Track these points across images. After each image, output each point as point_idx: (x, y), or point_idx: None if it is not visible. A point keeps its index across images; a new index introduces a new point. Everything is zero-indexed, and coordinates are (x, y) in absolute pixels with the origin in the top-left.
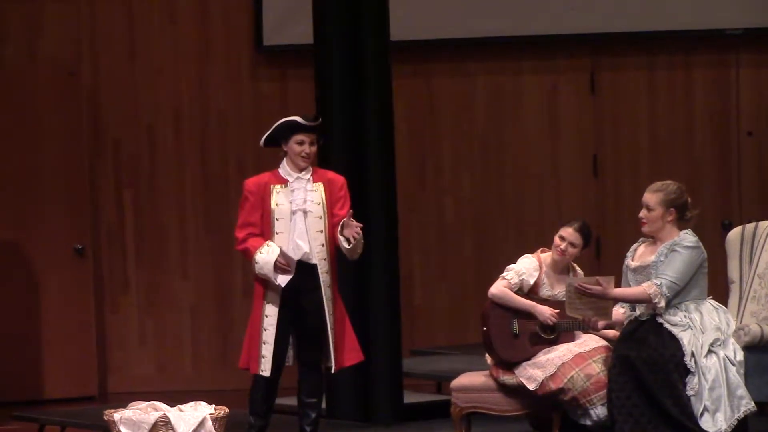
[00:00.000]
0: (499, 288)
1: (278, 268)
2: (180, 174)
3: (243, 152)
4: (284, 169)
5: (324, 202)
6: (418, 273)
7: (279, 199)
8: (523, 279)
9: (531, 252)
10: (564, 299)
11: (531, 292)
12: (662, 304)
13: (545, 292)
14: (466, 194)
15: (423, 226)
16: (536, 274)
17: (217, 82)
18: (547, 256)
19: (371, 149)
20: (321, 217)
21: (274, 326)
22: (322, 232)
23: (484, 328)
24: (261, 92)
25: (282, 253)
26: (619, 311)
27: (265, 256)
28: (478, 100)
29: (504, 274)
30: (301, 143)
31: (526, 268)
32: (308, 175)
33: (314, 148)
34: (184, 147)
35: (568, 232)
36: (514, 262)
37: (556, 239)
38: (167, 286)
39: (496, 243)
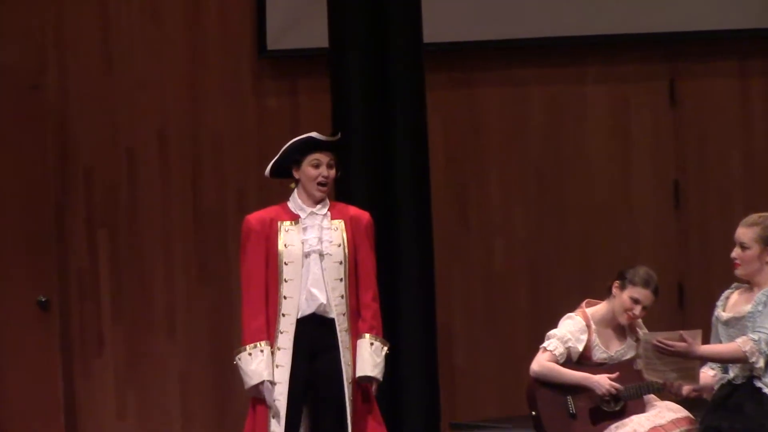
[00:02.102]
0: (542, 364)
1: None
2: (167, 210)
3: (244, 183)
4: (295, 202)
5: (346, 244)
6: (461, 330)
7: (289, 238)
8: (569, 346)
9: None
10: (627, 358)
11: (582, 358)
12: (761, 363)
13: (599, 355)
14: (519, 234)
15: (466, 274)
16: (584, 337)
17: (211, 97)
18: (595, 310)
19: (401, 178)
20: (341, 263)
21: (285, 396)
22: (342, 280)
23: (533, 413)
24: (266, 108)
25: (265, 388)
26: (708, 373)
27: (252, 365)
28: (533, 116)
29: (545, 344)
30: (316, 165)
31: (572, 332)
32: (325, 210)
33: (333, 172)
34: (171, 177)
35: (644, 294)
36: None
37: (626, 300)
38: (151, 347)
39: (556, 293)
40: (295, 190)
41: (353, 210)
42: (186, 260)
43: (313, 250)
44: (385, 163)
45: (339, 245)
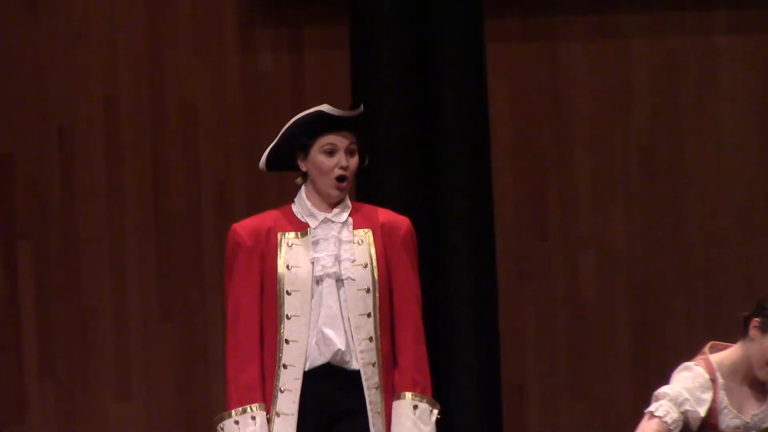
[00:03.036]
0: None
1: None
2: (115, 214)
3: (227, 176)
4: (302, 204)
5: (375, 263)
6: (535, 385)
7: (293, 256)
8: (686, 410)
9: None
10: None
11: (705, 426)
12: None
13: (729, 421)
14: (616, 246)
15: (541, 304)
16: (708, 396)
17: (180, 54)
18: (723, 358)
19: (451, 169)
20: (369, 290)
21: None
22: (370, 316)
23: None
24: (256, 71)
25: None
26: None
27: None
28: (637, 80)
29: (653, 407)
30: (331, 152)
31: (690, 389)
32: (345, 215)
33: (355, 162)
34: (124, 167)
35: None
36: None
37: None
38: (95, 409)
39: (670, 329)
40: (302, 187)
41: (385, 214)
42: (143, 286)
43: (327, 273)
44: (429, 148)
45: (365, 266)
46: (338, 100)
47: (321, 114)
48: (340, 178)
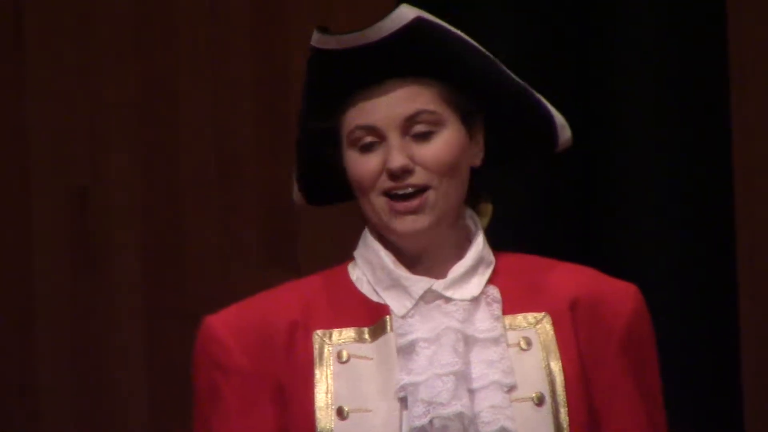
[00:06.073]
0: None
1: None
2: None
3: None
4: (369, 261)
5: (561, 389)
6: None
7: (351, 385)
8: None
9: None
10: None
11: None
12: None
13: None
14: None
15: None
16: None
17: None
18: None
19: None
20: None
21: None
22: None
23: None
24: None
25: None
26: None
27: None
28: None
29: None
30: (358, 143)
31: None
32: (477, 280)
33: (434, 150)
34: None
35: None
36: None
37: None
38: None
39: None
40: (365, 231)
41: (580, 278)
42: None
43: (441, 418)
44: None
45: (539, 400)
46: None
47: (314, 49)
48: (394, 195)
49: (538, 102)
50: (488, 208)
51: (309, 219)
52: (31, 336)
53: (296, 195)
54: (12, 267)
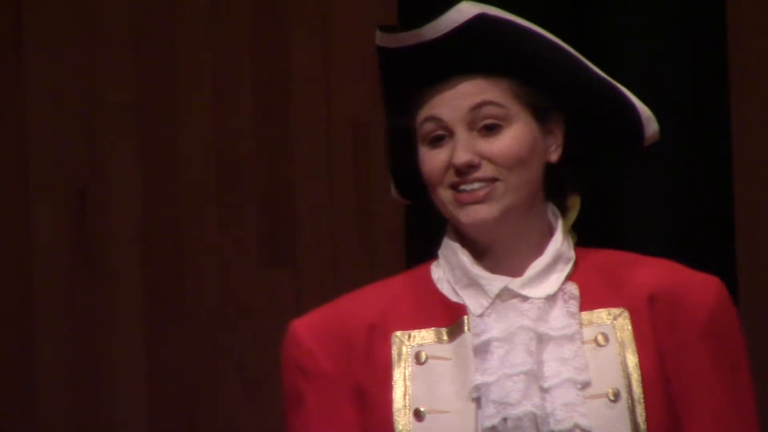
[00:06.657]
0: None
1: None
2: None
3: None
4: (450, 263)
5: (638, 387)
6: None
7: (428, 387)
8: None
9: None
10: None
11: None
12: None
13: None
14: None
15: None
16: None
17: None
18: None
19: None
20: None
21: None
22: None
23: None
24: None
25: None
26: None
27: None
28: None
29: None
30: (429, 136)
31: None
32: (555, 277)
33: (502, 145)
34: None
35: None
36: None
37: None
38: None
39: None
40: (446, 236)
41: (658, 271)
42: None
43: (513, 417)
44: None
45: (614, 397)
46: None
47: (379, 48)
48: (457, 186)
49: (621, 94)
50: (576, 202)
51: (309, 219)
52: (31, 336)
53: (393, 192)
54: (12, 267)
